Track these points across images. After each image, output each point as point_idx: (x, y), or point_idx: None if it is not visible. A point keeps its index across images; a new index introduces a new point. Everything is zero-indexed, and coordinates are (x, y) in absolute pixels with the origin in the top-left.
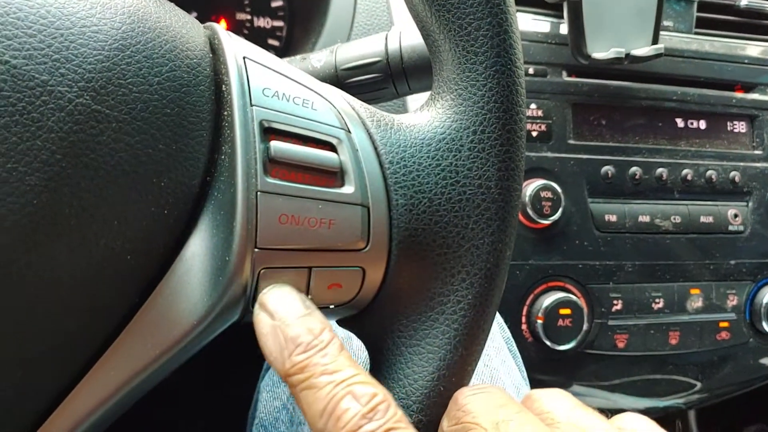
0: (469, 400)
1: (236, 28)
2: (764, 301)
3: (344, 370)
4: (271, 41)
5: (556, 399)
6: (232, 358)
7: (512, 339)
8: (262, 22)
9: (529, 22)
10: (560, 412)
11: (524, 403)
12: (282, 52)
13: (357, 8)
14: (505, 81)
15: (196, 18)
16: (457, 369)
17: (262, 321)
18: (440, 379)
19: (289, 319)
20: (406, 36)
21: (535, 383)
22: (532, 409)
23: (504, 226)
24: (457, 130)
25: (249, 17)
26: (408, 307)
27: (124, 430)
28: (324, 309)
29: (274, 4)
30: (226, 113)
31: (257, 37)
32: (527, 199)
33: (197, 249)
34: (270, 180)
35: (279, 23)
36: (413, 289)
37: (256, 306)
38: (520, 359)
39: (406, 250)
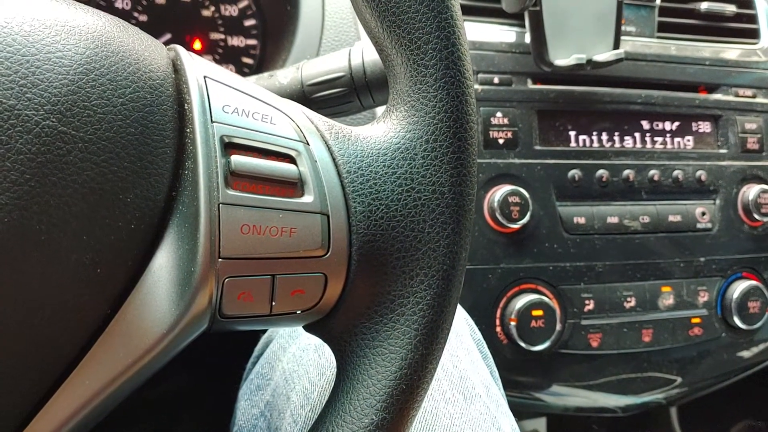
0: None
1: (211, 47)
2: (735, 296)
3: None
4: (245, 59)
5: None
6: (212, 367)
7: (483, 341)
8: (236, 41)
9: (494, 33)
10: None
11: None
12: (256, 70)
13: (325, 25)
14: (454, 92)
15: (171, 39)
16: (419, 367)
17: None
18: (402, 378)
19: None
20: (368, 51)
21: (513, 385)
22: None
23: (459, 228)
24: (411, 139)
25: (223, 36)
26: (370, 309)
27: None
28: (290, 314)
29: (247, 23)
30: (188, 130)
31: (231, 55)
32: (496, 204)
33: (164, 261)
34: (231, 192)
35: (252, 41)
36: (374, 292)
37: None
38: (491, 360)
39: (365, 255)
